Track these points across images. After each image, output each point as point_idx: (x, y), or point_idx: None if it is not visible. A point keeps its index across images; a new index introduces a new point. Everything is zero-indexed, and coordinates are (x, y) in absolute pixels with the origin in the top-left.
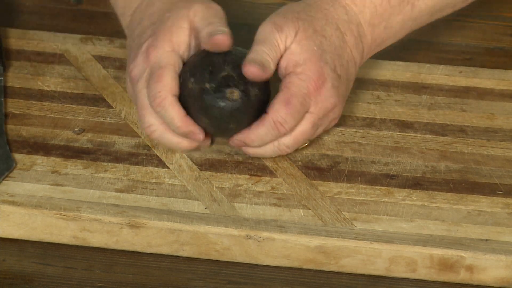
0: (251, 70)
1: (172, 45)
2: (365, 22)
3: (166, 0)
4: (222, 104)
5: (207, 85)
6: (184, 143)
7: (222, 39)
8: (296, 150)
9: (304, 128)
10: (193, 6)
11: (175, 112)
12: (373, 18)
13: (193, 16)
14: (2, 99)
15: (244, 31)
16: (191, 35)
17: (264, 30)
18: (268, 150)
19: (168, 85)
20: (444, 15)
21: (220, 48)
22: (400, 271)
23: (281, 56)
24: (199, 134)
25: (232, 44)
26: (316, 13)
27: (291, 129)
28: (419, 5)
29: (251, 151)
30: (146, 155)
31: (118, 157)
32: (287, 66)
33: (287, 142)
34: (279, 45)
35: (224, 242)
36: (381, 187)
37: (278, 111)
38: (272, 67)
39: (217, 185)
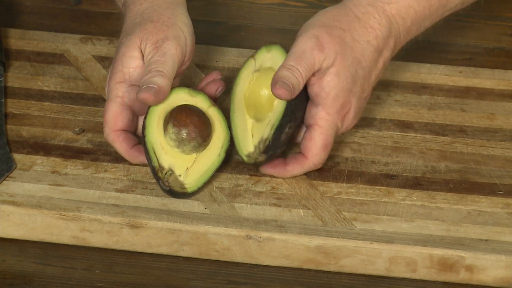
0: (278, 93)
1: (123, 76)
2: (404, 30)
3: (136, 11)
4: None
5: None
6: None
7: (146, 97)
8: None
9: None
10: (142, 31)
11: (119, 147)
12: (413, 25)
13: (142, 46)
14: (3, 100)
15: (243, 31)
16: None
17: (305, 44)
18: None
19: (110, 121)
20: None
21: (147, 104)
22: (400, 271)
23: (313, 74)
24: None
25: (166, 95)
26: (360, 34)
27: None
28: (449, 6)
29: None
30: None
31: (118, 157)
32: (318, 94)
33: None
34: (315, 64)
35: (224, 242)
36: (381, 187)
37: (318, 155)
38: (301, 86)
39: (217, 185)
